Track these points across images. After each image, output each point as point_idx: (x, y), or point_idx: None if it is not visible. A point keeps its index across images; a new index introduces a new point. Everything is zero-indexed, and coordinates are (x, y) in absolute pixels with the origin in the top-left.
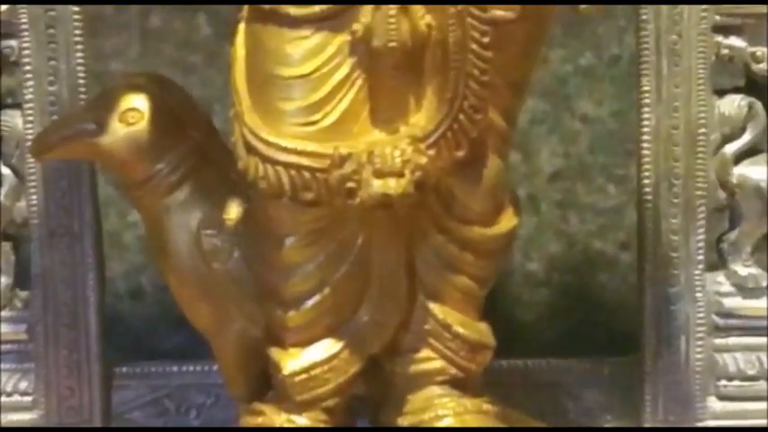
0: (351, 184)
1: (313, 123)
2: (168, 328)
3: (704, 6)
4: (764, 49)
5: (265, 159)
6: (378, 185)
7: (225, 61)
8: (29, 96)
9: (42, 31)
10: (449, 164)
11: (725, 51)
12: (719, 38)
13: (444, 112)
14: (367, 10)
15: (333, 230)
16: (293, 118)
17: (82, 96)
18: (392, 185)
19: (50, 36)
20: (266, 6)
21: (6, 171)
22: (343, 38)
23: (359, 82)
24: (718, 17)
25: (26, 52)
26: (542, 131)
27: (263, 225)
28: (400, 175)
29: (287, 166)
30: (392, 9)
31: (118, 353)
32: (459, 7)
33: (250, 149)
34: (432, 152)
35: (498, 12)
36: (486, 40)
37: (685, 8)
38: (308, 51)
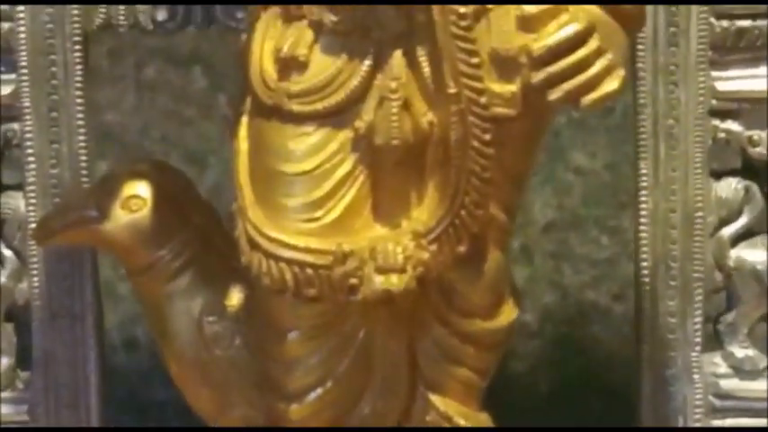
0: (353, 281)
1: (316, 220)
2: (164, 379)
3: (701, 91)
4: (761, 133)
5: (269, 255)
6: (380, 282)
7: (220, 114)
8: (31, 179)
9: (45, 114)
10: (450, 258)
11: (722, 135)
12: (716, 122)
13: (446, 207)
14: (369, 107)
15: (335, 325)
16: (296, 214)
17: (84, 179)
18: (394, 282)
19: (53, 119)
20: (269, 103)
21: (8, 253)
22: (345, 134)
23: (361, 178)
24: (714, 101)
25: (28, 135)
26: (536, 183)
27: (266, 318)
28: (402, 271)
29: (290, 262)
30: (394, 106)
31: (113, 404)
32: (461, 105)
33: (253, 245)
34: (433, 247)
35: (499, 109)
36: (487, 137)
37: (682, 93)
38: (311, 148)
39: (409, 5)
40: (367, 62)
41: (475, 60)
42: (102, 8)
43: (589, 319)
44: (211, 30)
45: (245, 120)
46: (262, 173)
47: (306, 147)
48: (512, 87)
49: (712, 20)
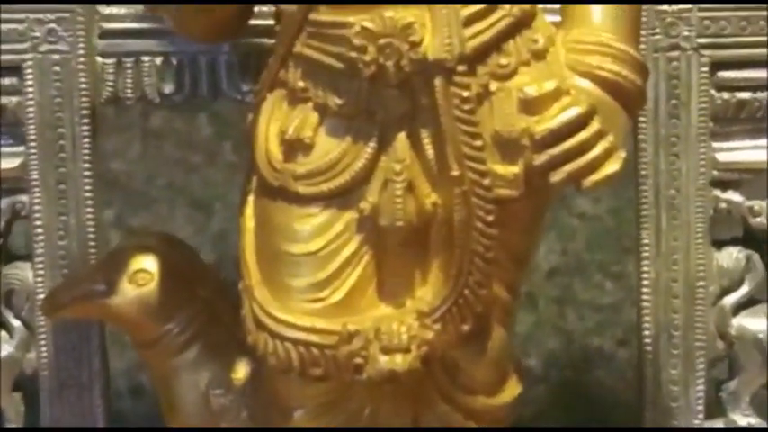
0: (358, 360)
1: (321, 300)
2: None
3: (702, 162)
4: (762, 203)
5: (275, 335)
6: (385, 361)
7: (226, 161)
8: (39, 250)
9: (53, 186)
10: (454, 337)
11: (723, 205)
12: (717, 192)
13: (450, 287)
14: (374, 189)
15: (340, 403)
16: (302, 294)
17: (92, 251)
18: (399, 361)
19: (61, 192)
20: (275, 184)
21: (17, 323)
22: (350, 216)
23: (366, 258)
24: (716, 172)
25: (37, 207)
26: None
27: (272, 396)
28: (407, 350)
29: (296, 342)
30: (398, 188)
31: None
32: (465, 187)
33: (259, 325)
34: (438, 327)
35: (502, 191)
36: (490, 218)
37: (684, 163)
38: (316, 229)
39: (412, 89)
40: (371, 144)
41: (478, 143)
42: (110, 82)
43: (593, 364)
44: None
45: (251, 198)
46: (268, 252)
47: (311, 228)
48: (514, 169)
49: (713, 92)
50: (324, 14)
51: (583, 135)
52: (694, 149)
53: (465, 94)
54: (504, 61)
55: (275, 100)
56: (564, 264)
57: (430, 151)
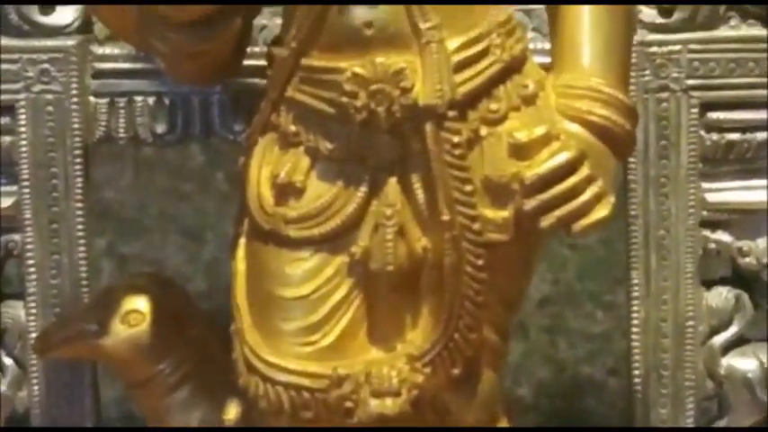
0: (349, 404)
1: (312, 344)
2: None
3: (692, 202)
4: (751, 243)
5: (266, 379)
6: (375, 405)
7: (217, 190)
8: (32, 289)
9: (45, 225)
10: (444, 381)
11: (712, 245)
12: (707, 232)
13: (440, 331)
14: (365, 233)
15: None
16: (293, 338)
17: (84, 290)
18: (389, 405)
19: (53, 231)
20: (267, 227)
21: (9, 362)
22: (341, 260)
23: (357, 302)
24: (705, 212)
25: (29, 246)
26: None
27: None
28: (397, 394)
29: (287, 386)
30: (389, 233)
31: None
32: (455, 231)
33: (251, 368)
34: (428, 370)
35: (492, 235)
36: (480, 262)
37: (673, 204)
38: (308, 272)
39: (403, 134)
40: (362, 189)
41: (468, 188)
42: (103, 121)
43: (584, 393)
44: (210, 141)
45: (242, 241)
46: (259, 295)
47: (302, 271)
48: (504, 214)
49: (702, 133)
50: (315, 60)
51: (572, 180)
52: (684, 190)
53: (455, 139)
54: (494, 106)
55: (267, 143)
56: (555, 293)
57: (421, 196)
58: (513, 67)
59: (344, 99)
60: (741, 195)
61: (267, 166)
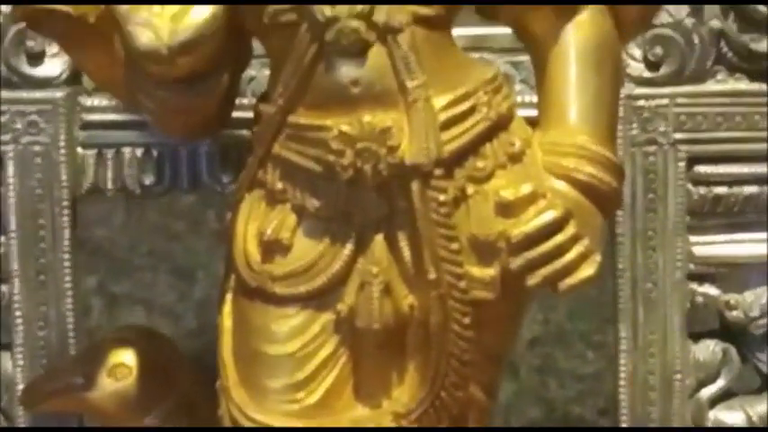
0: None
1: (298, 401)
2: None
3: (679, 255)
4: (738, 297)
5: None
6: None
7: (208, 228)
8: (19, 341)
9: (33, 277)
10: None
11: (699, 299)
12: (694, 285)
13: (426, 389)
14: (351, 290)
15: None
16: (279, 395)
17: (71, 341)
18: None
19: (41, 282)
20: (253, 284)
21: None
22: (327, 317)
23: (343, 360)
24: (692, 265)
25: (16, 297)
26: None
27: None
28: None
29: None
30: (375, 291)
31: None
32: (441, 290)
33: (237, 425)
34: (414, 428)
35: (479, 293)
36: (467, 320)
37: (660, 257)
38: (293, 330)
39: (390, 192)
40: (349, 246)
41: (454, 246)
42: (91, 173)
43: None
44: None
45: (228, 297)
46: (245, 352)
47: (288, 329)
48: (491, 272)
49: (689, 186)
50: (302, 117)
51: (559, 239)
52: (671, 243)
53: (442, 197)
54: (480, 164)
55: (254, 200)
56: (545, 333)
57: (407, 254)
58: (500, 125)
59: (331, 157)
60: (728, 249)
61: (254, 222)
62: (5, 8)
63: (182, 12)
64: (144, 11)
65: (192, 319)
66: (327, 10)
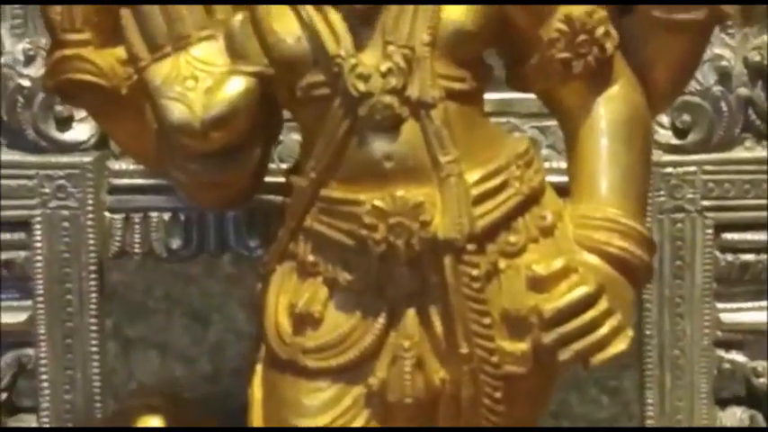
0: None
1: None
2: None
3: (707, 322)
4: (764, 364)
5: None
6: None
7: (223, 272)
8: (45, 404)
9: (59, 340)
10: None
11: (726, 366)
12: (721, 352)
13: None
14: (383, 364)
15: None
16: None
17: (97, 405)
18: None
19: (67, 346)
20: (284, 357)
21: None
22: (359, 390)
23: None
24: (719, 332)
25: (43, 361)
26: None
27: None
28: None
29: None
30: (407, 365)
31: None
32: (473, 364)
33: None
34: None
35: (510, 367)
36: (498, 395)
37: (688, 324)
38: (325, 403)
39: (422, 266)
40: (380, 320)
41: (486, 321)
42: (118, 237)
43: None
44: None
45: (259, 368)
46: (276, 424)
47: (319, 402)
48: (523, 346)
49: (717, 253)
50: (335, 191)
51: (591, 314)
52: (698, 310)
53: (474, 272)
54: (513, 239)
55: (285, 272)
56: (560, 378)
57: (439, 328)
58: (532, 199)
59: (364, 231)
60: (755, 316)
61: (285, 294)
62: (35, 73)
63: (215, 85)
64: (177, 84)
65: (207, 362)
66: (361, 85)
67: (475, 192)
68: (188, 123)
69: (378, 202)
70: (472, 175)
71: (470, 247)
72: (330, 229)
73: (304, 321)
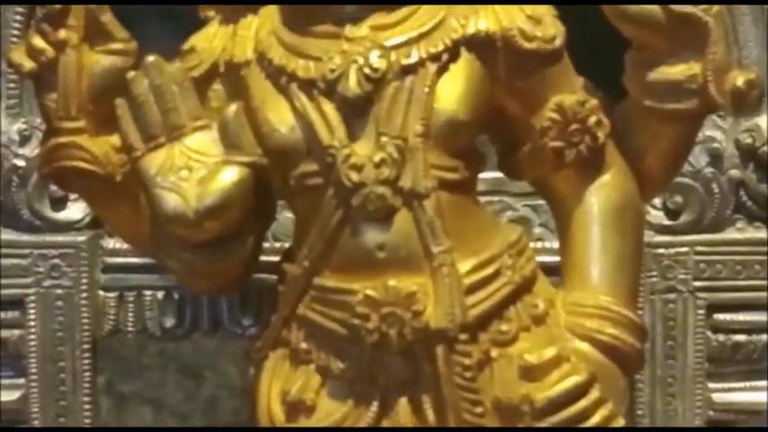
0: None
1: None
2: None
3: (699, 403)
4: None
5: None
6: None
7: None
8: None
9: (52, 419)
10: None
11: None
12: None
13: None
14: None
15: None
16: None
17: None
18: None
19: (60, 425)
20: None
21: None
22: None
23: None
24: (712, 413)
25: None
26: None
27: None
28: None
29: None
30: None
31: None
32: None
33: None
34: None
35: None
36: None
37: (680, 404)
38: None
39: (414, 356)
40: (373, 408)
41: (479, 410)
42: (111, 315)
43: None
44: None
45: None
46: None
47: None
48: None
49: (709, 334)
50: (328, 280)
51: (582, 404)
52: (690, 390)
53: (466, 362)
54: (505, 328)
55: (277, 359)
56: None
57: (431, 417)
58: (524, 288)
59: (356, 321)
60: (748, 396)
61: (277, 381)
62: (30, 153)
63: (209, 176)
64: (172, 175)
65: (200, 418)
66: (354, 175)
67: (467, 281)
68: (182, 213)
69: (370, 292)
70: (464, 265)
71: (463, 336)
72: (323, 317)
73: (297, 409)
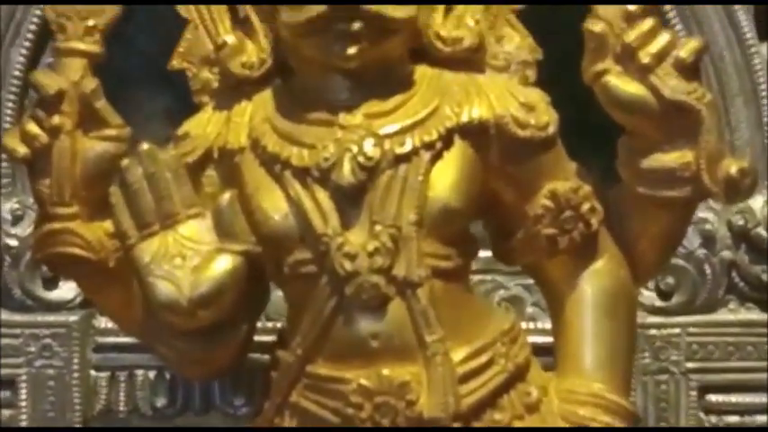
0: None
1: None
2: None
3: None
4: None
5: None
6: None
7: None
8: None
9: None
10: None
11: None
12: None
13: None
14: None
15: None
16: None
17: None
18: None
19: None
20: None
21: None
22: None
23: None
24: None
25: None
26: None
27: None
28: None
29: None
30: None
31: None
32: None
33: None
34: None
35: None
36: None
37: None
38: None
39: None
40: None
41: None
42: (103, 395)
43: None
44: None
45: None
46: None
47: None
48: None
49: (701, 415)
50: (321, 368)
51: None
52: None
53: None
54: (498, 416)
55: None
56: None
57: None
58: (517, 376)
59: (350, 410)
60: None
61: None
62: (22, 233)
63: (203, 264)
64: (165, 263)
65: None
66: (347, 264)
67: (461, 370)
68: (175, 302)
69: (364, 381)
70: (458, 354)
71: (456, 425)
72: (316, 405)
73: None
